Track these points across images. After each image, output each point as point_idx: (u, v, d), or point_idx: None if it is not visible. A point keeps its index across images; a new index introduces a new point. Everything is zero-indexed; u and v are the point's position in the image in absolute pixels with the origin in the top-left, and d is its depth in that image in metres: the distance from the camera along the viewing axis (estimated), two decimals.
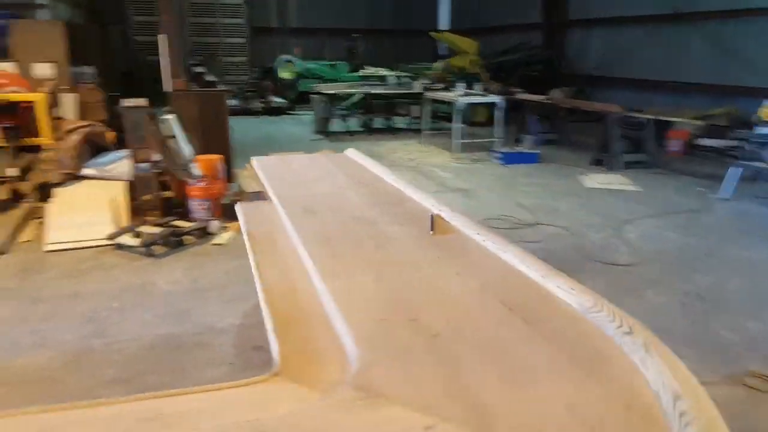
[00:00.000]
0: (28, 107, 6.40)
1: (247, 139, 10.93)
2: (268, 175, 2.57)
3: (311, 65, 16.32)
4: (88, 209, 5.33)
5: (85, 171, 5.82)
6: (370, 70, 15.70)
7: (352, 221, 1.84)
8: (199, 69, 11.77)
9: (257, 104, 15.01)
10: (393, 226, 1.79)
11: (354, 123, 12.38)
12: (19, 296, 4.02)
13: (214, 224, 5.41)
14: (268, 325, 1.35)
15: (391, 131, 12.11)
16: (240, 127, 12.75)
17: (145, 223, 5.29)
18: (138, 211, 5.55)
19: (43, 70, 7.17)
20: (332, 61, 16.45)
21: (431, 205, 1.96)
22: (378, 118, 12.52)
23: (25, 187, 5.85)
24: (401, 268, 1.47)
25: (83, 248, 4.92)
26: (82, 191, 5.64)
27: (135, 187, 5.61)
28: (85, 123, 6.32)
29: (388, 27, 22.21)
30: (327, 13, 21.69)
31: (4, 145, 6.43)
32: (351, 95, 11.91)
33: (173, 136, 5.46)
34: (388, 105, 12.34)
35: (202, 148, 6.43)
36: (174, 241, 5.02)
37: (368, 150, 10.01)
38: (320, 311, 1.36)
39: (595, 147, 9.06)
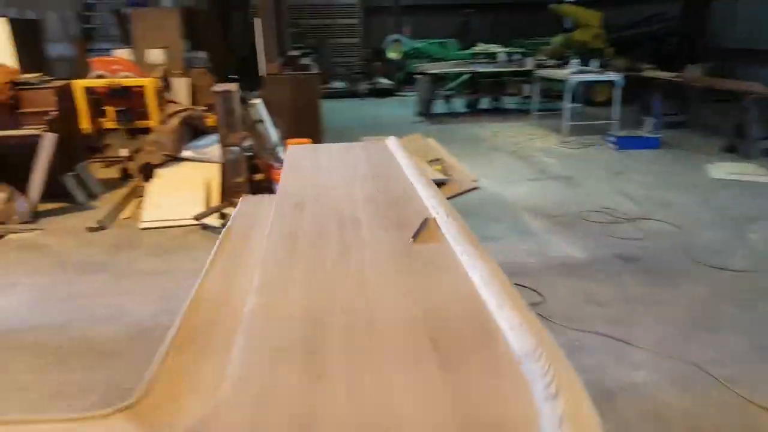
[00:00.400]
0: (139, 91, 6.85)
1: (345, 122, 10.99)
2: (290, 165, 2.42)
3: (419, 44, 16.01)
4: (184, 190, 5.58)
5: (184, 153, 6.11)
6: (481, 48, 15.09)
7: (335, 221, 1.63)
8: (306, 51, 12.00)
9: (364, 86, 15.04)
10: (377, 230, 1.54)
11: (460, 104, 11.96)
12: (107, 270, 4.29)
13: None
14: (167, 337, 1.20)
15: (499, 112, 11.53)
16: (342, 110, 12.92)
17: (232, 204, 5.43)
18: (229, 193, 5.72)
19: (156, 55, 7.63)
20: (443, 39, 16.00)
21: (431, 206, 1.68)
22: (486, 98, 11.99)
23: (132, 166, 6.27)
24: (342, 286, 1.24)
25: (174, 227, 5.16)
26: (179, 172, 5.93)
27: (226, 170, 5.78)
28: (184, 107, 6.63)
29: (505, 0, 21.15)
30: None
31: (118, 127, 6.96)
32: (456, 74, 11.49)
33: (261, 121, 5.53)
34: (496, 84, 11.74)
35: (293, 131, 6.49)
36: None
37: (469, 133, 9.62)
38: (234, 329, 1.16)
39: (729, 132, 7.90)
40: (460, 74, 11.55)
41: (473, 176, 4.85)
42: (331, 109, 12.84)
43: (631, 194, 5.95)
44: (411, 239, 1.45)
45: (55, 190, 5.57)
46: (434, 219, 1.54)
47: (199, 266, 1.83)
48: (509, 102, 12.21)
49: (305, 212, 1.68)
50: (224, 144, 5.70)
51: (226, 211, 5.23)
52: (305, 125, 6.71)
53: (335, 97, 14.68)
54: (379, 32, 20.11)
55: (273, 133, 5.65)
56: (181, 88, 8.02)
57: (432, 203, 1.70)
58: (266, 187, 5.80)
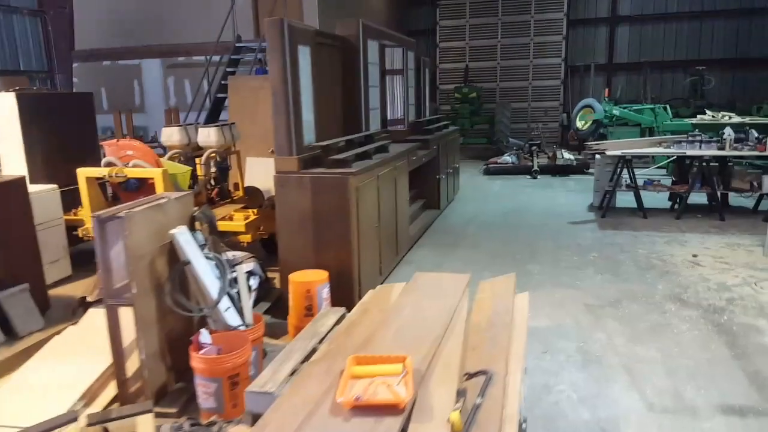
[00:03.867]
0: (152, 184, 5.30)
1: (483, 213, 8.22)
2: None
3: (617, 109, 12.44)
4: (78, 358, 3.60)
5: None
6: (709, 117, 11.01)
7: None
8: (446, 116, 9.60)
9: (538, 161, 12.02)
10: None
11: (657, 196, 8.31)
12: None
13: None
14: None
15: (716, 215, 7.57)
16: (496, 193, 10.20)
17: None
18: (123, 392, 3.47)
19: (207, 135, 6.09)
20: (654, 105, 12.18)
21: None
22: (700, 191, 8.12)
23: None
24: None
25: None
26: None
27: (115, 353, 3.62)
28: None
29: (755, 55, 16.10)
30: (667, 43, 17.03)
31: None
32: (656, 157, 7.98)
33: (187, 262, 3.36)
34: (720, 172, 7.86)
35: (315, 259, 4.21)
36: None
37: (653, 251, 6.15)
38: None
39: None
40: (657, 157, 8.00)
41: None
42: (483, 191, 10.16)
43: None
44: None
45: None
46: None
47: None
48: (737, 200, 8.12)
49: None
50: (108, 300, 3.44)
51: None
52: (333, 248, 4.35)
53: (502, 174, 11.96)
54: (584, 94, 16.88)
55: (214, 281, 3.43)
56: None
57: None
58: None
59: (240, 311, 3.66)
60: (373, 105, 5.90)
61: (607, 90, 14.24)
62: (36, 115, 5.90)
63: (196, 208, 3.76)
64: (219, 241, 3.90)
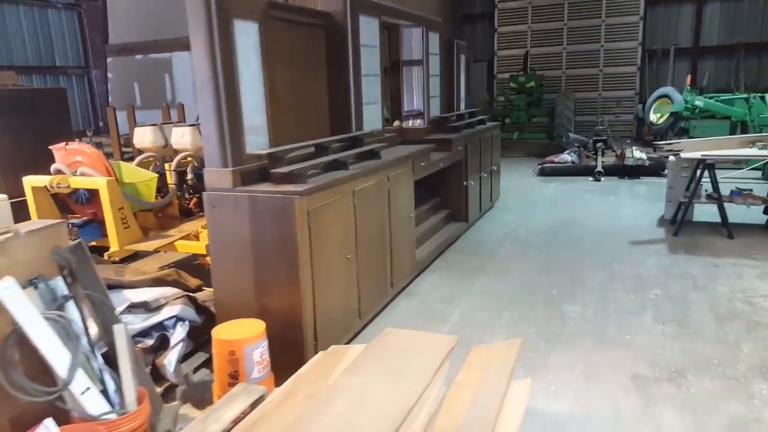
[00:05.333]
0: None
1: (521, 226, 6.80)
2: None
3: (701, 100, 10.50)
4: None
5: None
6: None
7: None
8: (481, 109, 8.16)
9: (604, 160, 10.36)
10: None
11: (748, 209, 6.62)
12: None
13: None
14: None
15: None
16: (544, 199, 8.63)
17: None
18: None
19: (180, 135, 5.15)
20: (755, 93, 10.17)
21: None
22: None
23: None
24: None
25: None
26: None
27: None
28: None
29: None
30: (766, 21, 14.60)
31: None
32: (749, 160, 6.32)
33: (17, 330, 2.36)
34: None
35: (252, 301, 3.18)
36: None
37: (732, 286, 4.57)
38: None
39: None
40: (752, 160, 6.32)
41: None
42: (532, 197, 8.73)
43: None
44: None
45: None
46: None
47: None
48: None
49: None
50: None
51: None
52: (277, 291, 3.25)
53: (559, 175, 10.42)
54: (663, 82, 14.82)
55: (62, 353, 2.41)
56: None
57: None
58: None
59: (119, 390, 2.63)
60: (368, 99, 4.73)
61: (689, 77, 12.21)
62: None
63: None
64: (100, 283, 2.88)
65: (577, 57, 15.87)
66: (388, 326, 4.15)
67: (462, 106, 7.78)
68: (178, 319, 3.44)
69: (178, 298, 3.52)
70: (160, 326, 3.41)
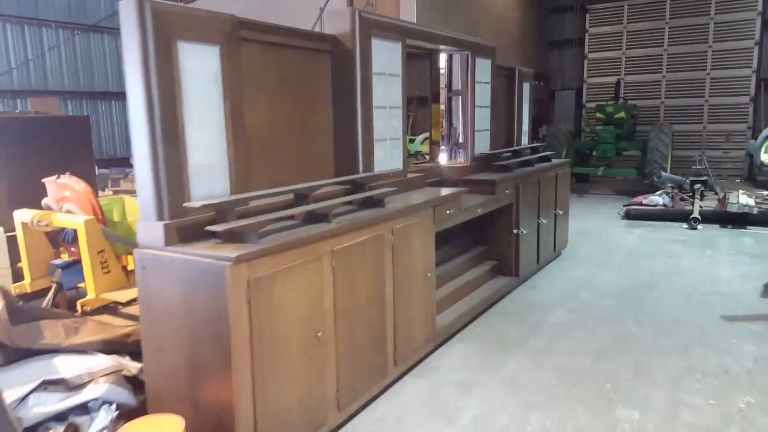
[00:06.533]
0: None
1: (586, 286, 5.65)
2: None
3: None
4: None
5: None
6: None
7: None
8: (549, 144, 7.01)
9: (702, 204, 8.87)
10: None
11: None
12: None
13: None
14: None
15: None
16: (623, 249, 7.28)
17: None
18: None
19: None
20: None
21: None
22: None
23: None
24: None
25: None
26: None
27: None
28: None
29: None
30: None
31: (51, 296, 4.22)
32: None
33: None
34: None
35: (184, 391, 2.57)
36: None
37: None
38: None
39: None
40: None
41: None
42: (609, 246, 7.58)
43: None
44: None
45: None
46: None
47: None
48: None
49: None
50: None
51: None
52: (209, 381, 2.56)
53: (646, 220, 9.06)
54: None
55: None
56: None
57: None
58: None
59: None
60: (382, 134, 4.00)
61: None
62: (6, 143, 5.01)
63: None
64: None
65: (678, 85, 14.25)
66: (380, 419, 3.34)
67: (524, 140, 6.83)
68: (105, 402, 2.85)
69: (109, 374, 2.93)
70: (83, 408, 2.84)
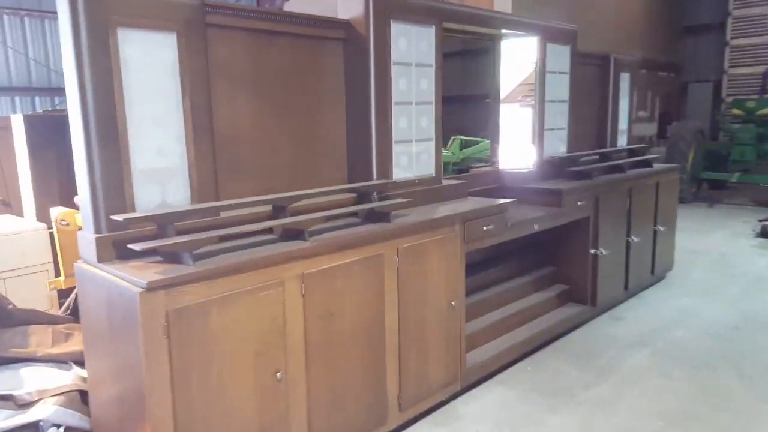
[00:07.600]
0: None
1: (686, 321, 4.55)
2: None
3: None
4: None
5: None
6: None
7: None
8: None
9: None
10: None
11: None
12: None
13: None
14: None
15: None
16: (747, 275, 5.85)
17: None
18: None
19: None
20: None
21: None
22: None
23: None
24: None
25: None
26: None
27: None
28: None
29: None
30: None
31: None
32: None
33: None
34: None
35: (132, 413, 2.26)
36: None
37: None
38: None
39: None
40: None
41: None
42: (729, 270, 6.52)
43: None
44: None
45: None
46: None
47: None
48: None
49: None
50: None
51: None
52: (133, 427, 2.20)
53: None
54: None
55: None
56: None
57: None
58: None
59: None
60: (403, 136, 3.42)
61: None
62: (45, 140, 5.09)
63: None
64: None
65: None
66: None
67: (622, 141, 5.80)
68: (54, 423, 2.61)
69: (62, 393, 2.69)
70: (35, 428, 2.62)
